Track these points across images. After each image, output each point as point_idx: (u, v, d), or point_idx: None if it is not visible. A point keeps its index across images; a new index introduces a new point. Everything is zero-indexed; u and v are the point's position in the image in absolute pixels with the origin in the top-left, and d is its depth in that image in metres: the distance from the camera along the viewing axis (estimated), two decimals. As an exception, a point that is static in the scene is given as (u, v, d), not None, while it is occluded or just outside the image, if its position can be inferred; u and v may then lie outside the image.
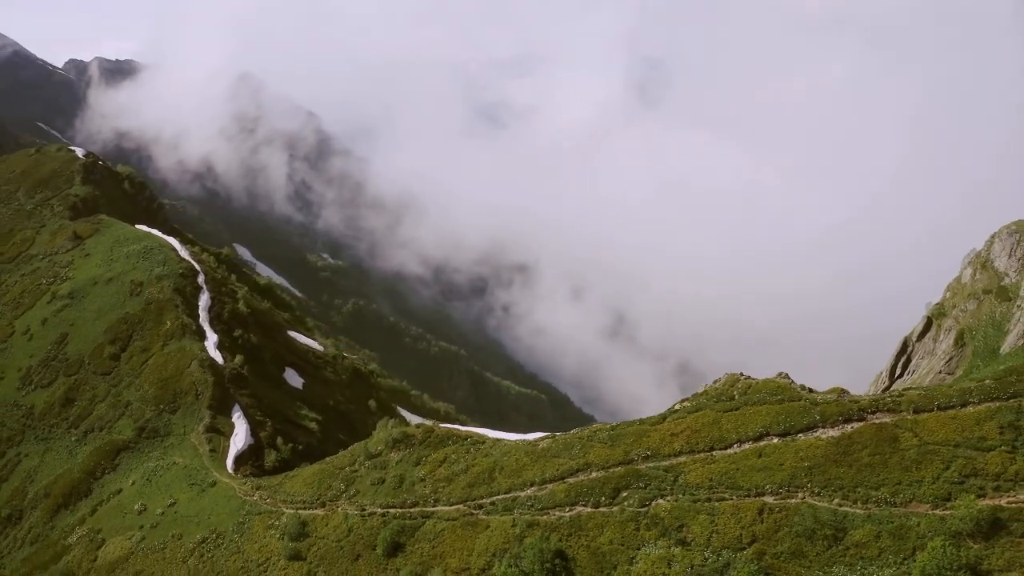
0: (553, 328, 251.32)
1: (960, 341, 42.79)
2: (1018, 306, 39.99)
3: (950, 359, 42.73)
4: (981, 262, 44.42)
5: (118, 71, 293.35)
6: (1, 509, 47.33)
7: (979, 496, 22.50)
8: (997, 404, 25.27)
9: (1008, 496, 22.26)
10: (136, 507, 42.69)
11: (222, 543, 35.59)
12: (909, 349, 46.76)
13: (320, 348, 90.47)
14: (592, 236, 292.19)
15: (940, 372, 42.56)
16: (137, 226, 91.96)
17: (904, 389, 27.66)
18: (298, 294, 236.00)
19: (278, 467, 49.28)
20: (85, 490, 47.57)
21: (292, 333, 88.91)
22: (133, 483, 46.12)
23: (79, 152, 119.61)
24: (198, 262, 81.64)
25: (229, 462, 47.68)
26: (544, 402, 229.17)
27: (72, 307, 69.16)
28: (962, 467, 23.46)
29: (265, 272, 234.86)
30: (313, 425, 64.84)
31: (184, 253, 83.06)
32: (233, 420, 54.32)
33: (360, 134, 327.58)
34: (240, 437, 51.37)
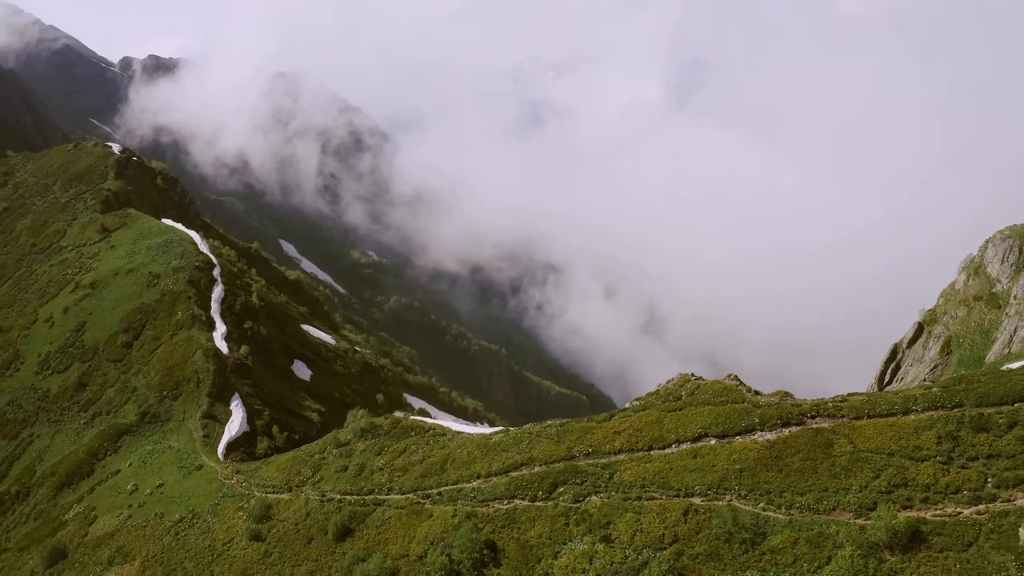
0: (586, 327, 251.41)
1: (947, 349, 42.11)
2: (1007, 314, 39.20)
3: (935, 367, 42.11)
4: (975, 267, 43.57)
5: (161, 68, 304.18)
6: (11, 486, 50.16)
7: (905, 507, 22.25)
8: (940, 413, 24.97)
9: (934, 509, 21.97)
10: (129, 487, 44.88)
11: (196, 523, 37.33)
12: (899, 356, 46.09)
13: (332, 342, 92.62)
14: (624, 236, 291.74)
15: (925, 380, 41.97)
16: (163, 220, 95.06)
17: (849, 394, 27.54)
18: (341, 290, 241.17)
19: (269, 454, 51.03)
20: (88, 470, 50.03)
21: (306, 327, 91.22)
22: (130, 464, 48.42)
23: (115, 148, 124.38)
24: (216, 256, 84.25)
25: (221, 447, 49.55)
26: (585, 403, 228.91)
27: (92, 297, 72.39)
28: (892, 476, 23.26)
29: (309, 268, 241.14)
30: (315, 416, 66.65)
31: (203, 247, 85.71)
32: (231, 408, 56.37)
33: (396, 130, 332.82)
34: (235, 424, 53.26)
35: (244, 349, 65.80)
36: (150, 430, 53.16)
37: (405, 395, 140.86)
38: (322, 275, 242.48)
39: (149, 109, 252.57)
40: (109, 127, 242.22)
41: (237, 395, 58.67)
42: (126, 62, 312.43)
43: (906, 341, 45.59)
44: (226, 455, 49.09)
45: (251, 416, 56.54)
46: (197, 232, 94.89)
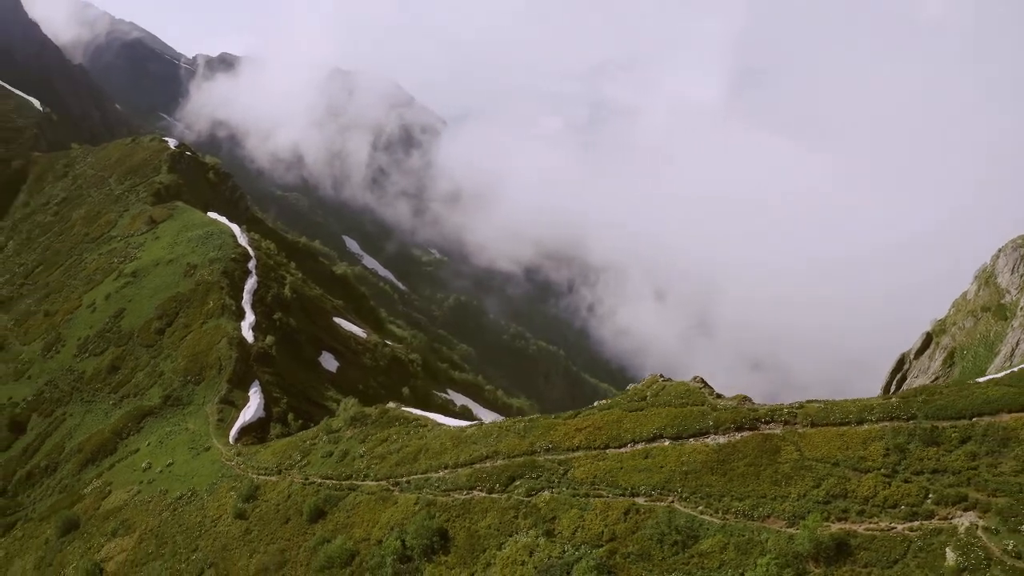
0: (637, 328, 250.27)
1: (950, 360, 41.05)
2: (1012, 326, 38.00)
3: (937, 379, 41.13)
4: (986, 277, 42.23)
5: (224, 63, 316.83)
6: (41, 460, 53.86)
7: (840, 519, 21.98)
8: (893, 424, 24.58)
9: (868, 522, 21.62)
10: (143, 465, 47.74)
11: (193, 500, 39.61)
12: (905, 367, 45.00)
13: (364, 335, 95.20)
14: (674, 237, 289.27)
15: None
16: (209, 213, 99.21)
17: (808, 401, 27.38)
18: (401, 287, 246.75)
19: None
20: (111, 448, 53.30)
21: (338, 320, 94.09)
22: (148, 444, 51.38)
23: (171, 143, 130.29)
24: (254, 249, 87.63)
25: (233, 432, 51.96)
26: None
27: (133, 285, 76.58)
28: (832, 486, 23.02)
29: (371, 264, 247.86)
30: (334, 406, 68.90)
31: (242, 240, 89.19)
32: (249, 394, 58.97)
33: (451, 127, 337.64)
34: (250, 410, 55.71)
35: (269, 339, 68.45)
36: (171, 412, 56.15)
37: (449, 391, 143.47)
38: (383, 271, 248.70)
39: (209, 104, 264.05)
40: (172, 121, 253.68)
41: (257, 382, 61.25)
42: (192, 58, 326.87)
43: (914, 351, 44.44)
44: (237, 439, 51.45)
45: (268, 403, 58.98)
46: (240, 226, 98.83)
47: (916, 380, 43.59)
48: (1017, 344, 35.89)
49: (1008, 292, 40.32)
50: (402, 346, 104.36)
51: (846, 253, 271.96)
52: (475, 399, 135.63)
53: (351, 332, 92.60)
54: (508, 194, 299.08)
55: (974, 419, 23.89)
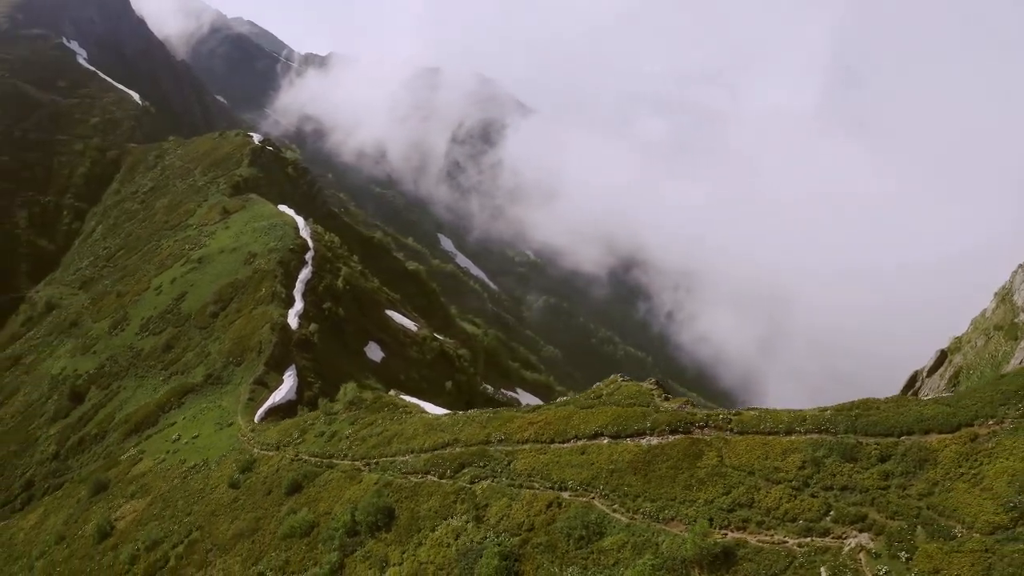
0: (714, 336, 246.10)
1: (955, 380, 39.77)
2: (1020, 346, 36.51)
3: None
4: (1003, 295, 40.52)
5: (318, 60, 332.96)
6: (92, 429, 59.80)
7: (739, 528, 22.36)
8: (818, 436, 24.68)
9: (763, 534, 21.81)
10: (174, 437, 52.32)
11: (202, 469, 43.53)
12: (917, 384, 43.59)
13: (414, 328, 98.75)
14: (754, 244, 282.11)
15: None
16: (279, 206, 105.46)
17: (748, 408, 27.66)
18: (492, 286, 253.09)
19: (305, 423, 57.00)
20: (153, 420, 58.61)
21: (391, 312, 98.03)
22: (184, 418, 56.26)
23: (256, 138, 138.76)
24: (315, 241, 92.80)
25: (260, 411, 56.06)
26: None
27: (197, 270, 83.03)
28: (740, 495, 23.35)
29: (464, 263, 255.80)
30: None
31: (304, 232, 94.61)
32: (284, 377, 63.17)
33: (537, 126, 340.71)
34: (281, 392, 59.75)
35: (313, 327, 72.69)
36: (211, 390, 61.02)
37: (518, 390, 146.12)
38: (476, 271, 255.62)
39: (299, 99, 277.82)
40: (270, 115, 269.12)
41: (293, 367, 65.43)
42: (289, 53, 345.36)
43: (927, 369, 42.92)
44: (263, 419, 55.48)
45: (301, 387, 62.94)
46: (306, 219, 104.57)
47: (927, 397, 42.23)
48: (1021, 364, 34.61)
49: (1023, 311, 38.55)
50: (453, 342, 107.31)
51: (920, 259, 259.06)
52: (543, 399, 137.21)
53: (401, 325, 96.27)
54: (590, 195, 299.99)
55: (902, 437, 23.67)
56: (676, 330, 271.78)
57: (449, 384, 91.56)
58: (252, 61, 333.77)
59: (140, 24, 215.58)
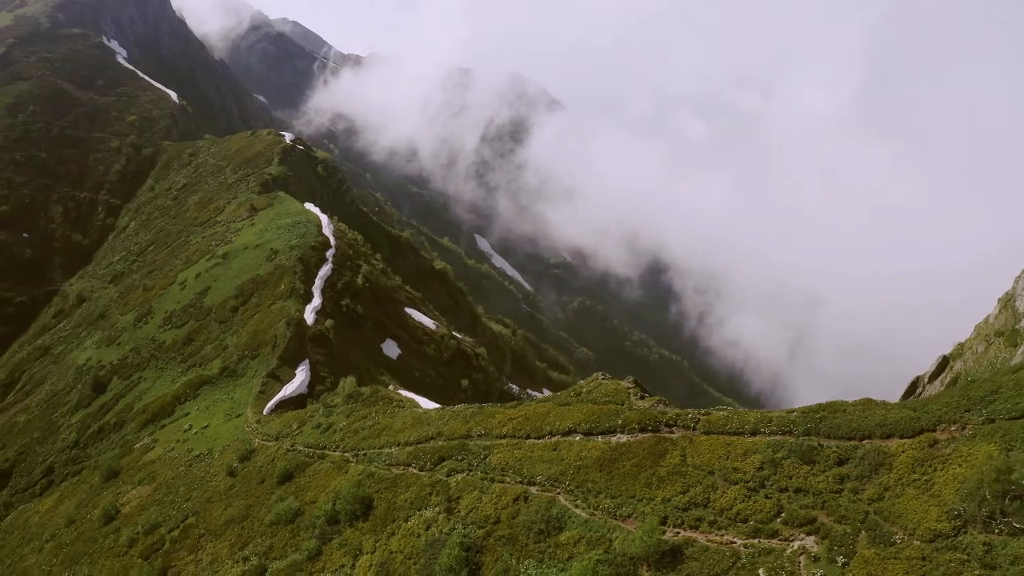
0: (747, 339, 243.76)
1: (953, 386, 39.39)
2: (1017, 353, 36.10)
3: (939, 406, 39.55)
4: (1006, 300, 39.98)
5: (353, 60, 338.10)
6: (111, 418, 62.22)
7: (692, 527, 22.68)
8: (781, 438, 24.86)
9: (714, 534, 22.03)
10: (186, 427, 54.24)
11: (206, 458, 45.19)
12: (918, 390, 43.16)
13: (433, 326, 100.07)
14: (782, 247, 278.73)
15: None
16: (306, 205, 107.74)
17: (718, 408, 27.95)
18: (526, 286, 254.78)
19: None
20: (169, 411, 60.74)
21: (410, 310, 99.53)
22: (197, 409, 58.16)
23: (288, 137, 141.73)
24: (338, 239, 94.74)
25: (270, 404, 57.73)
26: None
27: (221, 266, 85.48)
28: (697, 494, 23.64)
29: (499, 264, 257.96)
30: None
31: (327, 230, 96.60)
32: (296, 371, 64.87)
33: (568, 126, 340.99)
34: (292, 386, 61.38)
35: (329, 322, 74.36)
36: (225, 382, 62.95)
37: (545, 390, 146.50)
38: (511, 271, 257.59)
39: (333, 99, 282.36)
40: (300, 115, 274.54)
41: (307, 361, 67.08)
42: (326, 53, 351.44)
43: (928, 375, 42.47)
44: (273, 411, 57.14)
45: (313, 381, 64.54)
46: (330, 217, 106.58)
47: (926, 407, 41.83)
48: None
49: (1025, 317, 38.01)
50: (472, 340, 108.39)
51: (951, 262, 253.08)
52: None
53: (420, 323, 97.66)
54: (618, 195, 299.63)
55: (863, 441, 23.74)
56: (706, 333, 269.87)
57: (465, 382, 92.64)
58: (291, 60, 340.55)
59: (180, 23, 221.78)
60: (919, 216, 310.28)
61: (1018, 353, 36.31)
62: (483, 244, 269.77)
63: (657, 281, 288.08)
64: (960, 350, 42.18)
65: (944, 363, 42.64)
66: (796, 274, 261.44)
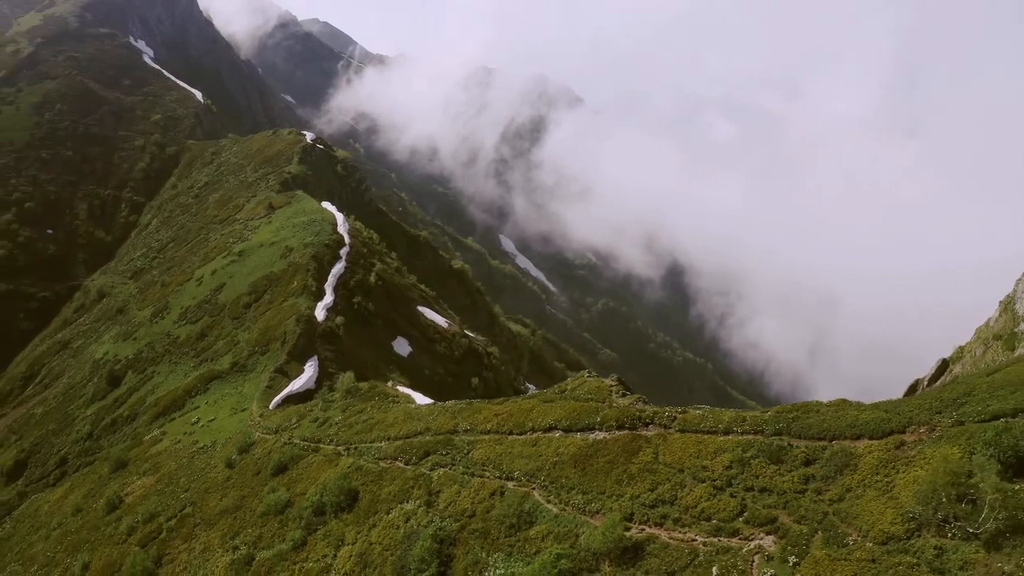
0: (767, 342, 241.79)
1: (948, 390, 39.15)
2: (1016, 356, 35.84)
3: (934, 410, 39.38)
4: (1006, 304, 39.67)
5: (377, 60, 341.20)
6: (124, 411, 63.96)
7: (658, 524, 22.98)
8: (752, 437, 25.06)
9: (677, 531, 22.32)
10: (194, 420, 55.63)
11: (208, 450, 46.38)
12: (917, 393, 42.97)
13: (445, 325, 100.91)
14: (803, 248, 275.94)
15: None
16: (323, 203, 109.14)
17: (695, 407, 28.26)
18: (551, 287, 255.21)
19: (320, 412, 59.58)
20: (180, 404, 62.26)
21: (422, 309, 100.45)
22: (206, 403, 59.56)
23: (308, 136, 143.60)
24: (352, 237, 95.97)
25: (277, 399, 58.90)
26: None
27: (237, 263, 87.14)
28: (665, 492, 23.86)
29: (523, 264, 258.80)
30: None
31: (341, 228, 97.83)
32: (304, 367, 66.07)
33: (588, 126, 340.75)
34: (299, 381, 62.53)
35: (339, 319, 75.48)
36: (235, 377, 64.34)
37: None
38: (535, 272, 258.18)
39: (356, 98, 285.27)
40: (323, 114, 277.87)
41: (315, 357, 68.23)
42: (350, 52, 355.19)
43: (927, 378, 42.22)
44: (279, 406, 58.33)
45: (321, 377, 65.64)
46: (346, 215, 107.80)
47: (923, 411, 41.60)
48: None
49: (1023, 321, 37.72)
50: (484, 339, 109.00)
51: (970, 263, 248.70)
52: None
53: (432, 321, 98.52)
54: (637, 195, 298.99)
55: (832, 441, 23.86)
56: (727, 335, 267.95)
57: (476, 381, 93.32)
58: (318, 60, 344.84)
59: (207, 24, 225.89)
60: (942, 217, 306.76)
61: (1013, 357, 36.03)
62: (507, 244, 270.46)
63: (678, 282, 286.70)
64: (960, 353, 41.90)
65: (944, 366, 42.40)
66: (810, 275, 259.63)
